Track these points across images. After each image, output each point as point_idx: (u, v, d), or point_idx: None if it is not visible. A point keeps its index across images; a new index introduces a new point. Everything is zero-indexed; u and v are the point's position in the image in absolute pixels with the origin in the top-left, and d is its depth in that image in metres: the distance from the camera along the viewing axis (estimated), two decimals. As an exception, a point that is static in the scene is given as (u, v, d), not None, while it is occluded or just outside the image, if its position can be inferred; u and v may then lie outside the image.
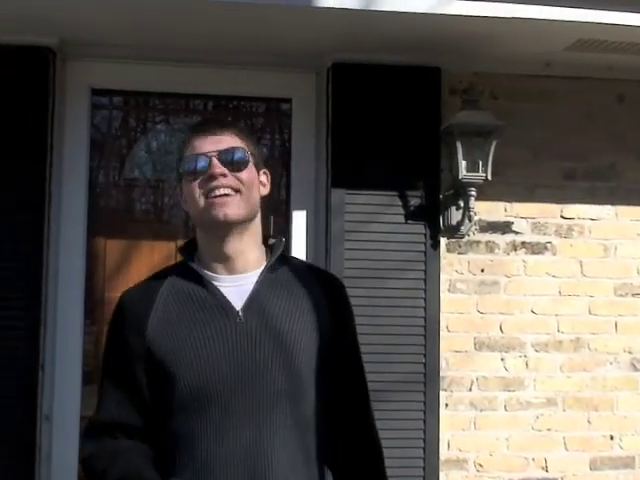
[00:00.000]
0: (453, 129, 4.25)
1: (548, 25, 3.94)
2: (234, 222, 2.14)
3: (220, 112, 4.73)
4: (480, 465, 4.41)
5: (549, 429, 4.48)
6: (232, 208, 2.13)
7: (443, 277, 4.40)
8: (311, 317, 2.19)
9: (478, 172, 4.24)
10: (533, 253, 4.53)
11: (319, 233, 4.41)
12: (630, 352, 4.57)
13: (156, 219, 4.82)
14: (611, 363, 4.55)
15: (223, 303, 2.15)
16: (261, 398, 2.08)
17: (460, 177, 4.25)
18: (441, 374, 4.36)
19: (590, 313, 4.54)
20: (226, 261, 2.19)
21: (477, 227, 4.48)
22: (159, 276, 2.26)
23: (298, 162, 4.54)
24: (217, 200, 2.13)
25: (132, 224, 4.67)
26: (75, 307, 4.30)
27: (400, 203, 4.33)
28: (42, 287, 4.11)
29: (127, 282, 2.35)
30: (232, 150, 2.17)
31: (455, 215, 4.39)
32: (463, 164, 4.24)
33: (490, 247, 4.50)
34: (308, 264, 2.60)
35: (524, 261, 4.52)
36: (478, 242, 4.49)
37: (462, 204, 4.35)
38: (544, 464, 4.47)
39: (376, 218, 4.29)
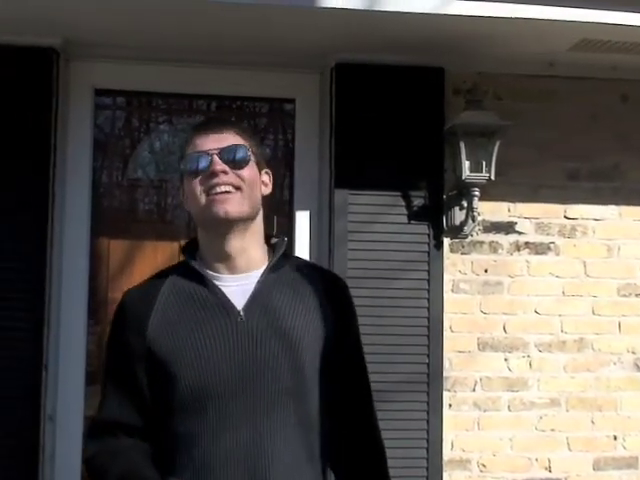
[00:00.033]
0: (457, 129, 4.24)
1: (552, 25, 3.94)
2: (235, 219, 2.14)
3: (223, 112, 4.73)
4: (483, 465, 4.41)
5: (553, 429, 4.48)
6: (233, 205, 2.13)
7: (446, 277, 4.40)
8: (314, 316, 2.19)
9: (481, 172, 4.24)
10: (536, 253, 4.53)
11: (322, 233, 4.41)
12: (634, 352, 4.56)
13: (159, 219, 4.82)
14: (615, 363, 4.54)
15: (224, 303, 2.14)
16: (262, 398, 2.08)
17: (463, 177, 4.25)
18: (444, 374, 4.36)
19: (594, 313, 4.54)
20: (227, 260, 2.19)
21: (480, 227, 4.48)
22: (160, 276, 2.26)
23: (301, 162, 4.54)
24: (218, 197, 2.13)
25: (135, 224, 4.67)
26: (78, 307, 4.30)
27: (403, 203, 4.33)
28: (45, 287, 4.11)
29: (130, 282, 2.34)
30: (234, 148, 2.17)
31: (458, 215, 4.39)
32: (466, 164, 4.24)
33: (493, 247, 4.50)
34: (311, 264, 2.60)
35: (527, 261, 4.52)
36: (481, 242, 4.49)
37: (465, 204, 4.35)
38: (547, 464, 4.46)
39: (379, 218, 4.29)
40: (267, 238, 2.30)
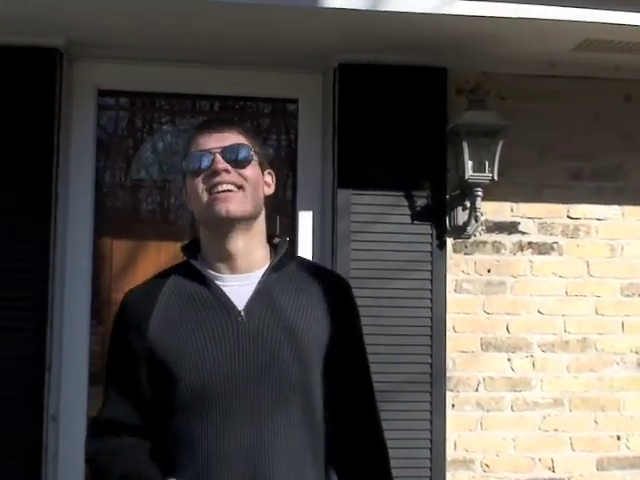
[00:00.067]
0: (459, 129, 4.24)
1: (554, 25, 3.94)
2: (236, 218, 2.14)
3: (226, 113, 4.73)
4: (487, 465, 4.41)
5: (556, 429, 4.48)
6: (234, 204, 2.13)
7: (449, 277, 4.40)
8: (318, 314, 2.19)
9: (484, 172, 4.24)
10: (539, 253, 4.53)
11: (325, 233, 4.41)
12: (637, 352, 4.56)
13: (162, 220, 4.83)
14: (618, 363, 4.54)
15: (225, 302, 2.14)
16: (264, 398, 2.08)
17: (466, 177, 4.25)
18: (447, 374, 4.35)
19: (597, 313, 4.54)
20: (229, 260, 2.19)
21: (483, 227, 4.48)
22: (162, 276, 2.27)
23: (304, 162, 4.54)
24: (220, 196, 2.13)
25: (138, 225, 4.68)
26: (81, 307, 4.31)
27: (406, 203, 4.33)
28: (48, 288, 4.11)
29: (133, 282, 2.34)
30: (236, 147, 2.18)
31: (461, 215, 4.39)
32: (469, 164, 4.24)
33: (496, 247, 4.50)
34: (314, 264, 2.60)
35: (530, 261, 4.52)
36: (484, 242, 4.49)
37: (468, 204, 4.35)
38: (551, 464, 4.46)
39: (382, 218, 4.29)
40: (269, 238, 2.29)
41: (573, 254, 4.55)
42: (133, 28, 4.09)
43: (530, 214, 4.53)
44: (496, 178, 4.24)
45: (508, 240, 4.51)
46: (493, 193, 4.39)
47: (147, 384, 2.15)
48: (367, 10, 3.82)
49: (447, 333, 4.35)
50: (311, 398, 2.14)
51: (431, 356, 4.29)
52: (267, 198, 2.28)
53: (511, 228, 4.52)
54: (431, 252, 4.34)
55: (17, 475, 4.03)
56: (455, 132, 4.28)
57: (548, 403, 4.48)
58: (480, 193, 4.28)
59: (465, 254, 4.47)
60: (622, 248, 4.58)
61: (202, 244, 2.25)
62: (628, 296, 4.57)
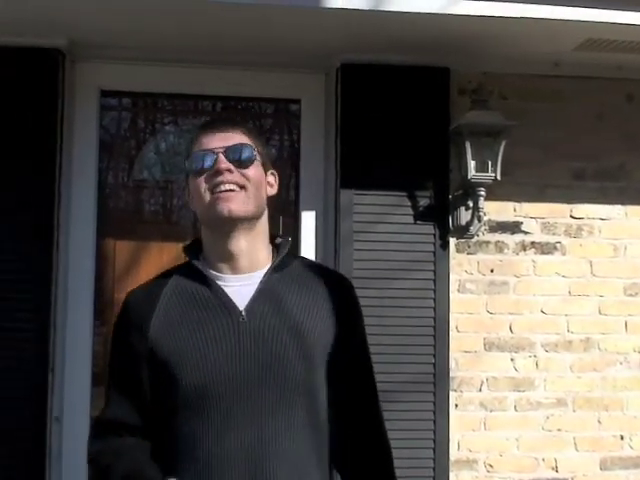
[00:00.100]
0: (462, 129, 4.24)
1: (557, 25, 3.93)
2: (238, 218, 2.14)
3: (229, 113, 4.73)
4: (490, 465, 4.41)
5: (559, 429, 4.47)
6: (236, 204, 2.13)
7: (452, 277, 4.40)
8: (321, 313, 2.19)
9: (487, 172, 4.24)
10: (543, 253, 4.52)
11: (328, 234, 4.41)
12: (640, 352, 4.57)
13: (165, 220, 4.83)
14: (621, 363, 4.54)
15: (226, 303, 2.14)
16: (265, 398, 2.07)
17: (469, 177, 4.25)
18: (451, 374, 4.35)
19: (600, 313, 4.54)
20: (231, 260, 2.18)
21: (486, 227, 4.48)
22: (164, 276, 2.27)
23: (307, 163, 4.54)
24: (222, 195, 2.13)
25: (141, 225, 4.68)
26: (85, 308, 4.31)
27: (409, 203, 4.33)
28: (51, 288, 4.12)
29: (136, 283, 2.34)
30: (239, 147, 2.17)
31: (464, 215, 4.39)
32: (472, 164, 4.24)
33: (499, 247, 4.50)
34: (317, 264, 2.60)
35: (534, 261, 4.52)
36: (487, 242, 4.49)
37: (471, 204, 4.35)
38: (554, 464, 4.46)
39: (385, 218, 4.29)
40: (272, 238, 2.29)
41: (576, 254, 4.55)
42: (135, 29, 4.09)
43: (533, 214, 4.53)
44: (499, 178, 4.24)
45: (511, 240, 4.51)
46: (496, 193, 4.38)
47: (148, 384, 2.15)
48: (369, 10, 3.81)
49: (450, 333, 4.34)
50: (316, 399, 2.14)
51: (434, 356, 4.29)
52: (270, 198, 2.28)
53: (514, 228, 4.51)
54: (434, 252, 4.33)
55: (20, 475, 4.03)
56: (458, 132, 4.28)
57: (551, 403, 4.47)
58: (483, 193, 4.28)
59: (468, 254, 4.47)
60: (625, 248, 4.58)
61: (204, 244, 2.25)
62: (631, 296, 4.57)
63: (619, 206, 4.59)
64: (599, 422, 4.50)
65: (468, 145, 4.23)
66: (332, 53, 4.29)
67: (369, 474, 2.26)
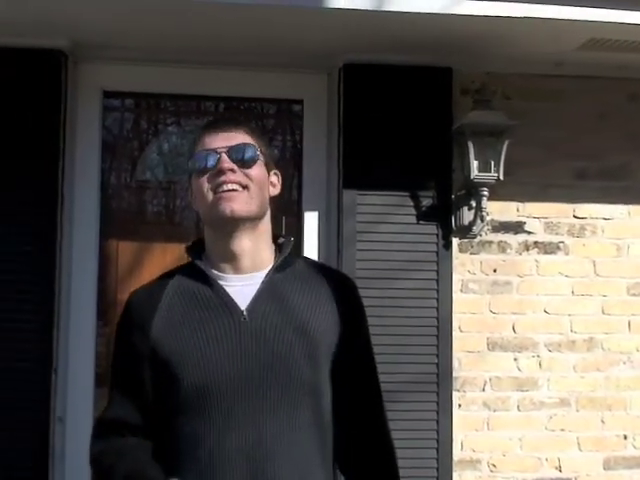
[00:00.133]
0: (465, 129, 4.24)
1: (560, 25, 3.93)
2: (241, 218, 2.14)
3: (232, 113, 4.73)
4: (493, 465, 4.41)
5: (562, 429, 4.47)
6: (239, 203, 2.13)
7: (455, 277, 4.39)
8: (326, 313, 2.18)
9: (490, 172, 4.23)
10: (545, 253, 4.52)
11: (331, 234, 4.41)
12: (643, 352, 4.56)
13: (168, 221, 4.83)
14: (624, 363, 4.53)
15: (228, 302, 2.14)
16: (267, 398, 2.07)
17: (472, 177, 4.25)
18: (454, 374, 4.35)
19: (603, 313, 4.53)
20: (233, 260, 2.18)
21: (489, 227, 4.47)
22: (167, 276, 2.26)
23: (309, 163, 4.54)
24: (224, 195, 2.13)
25: (144, 226, 4.68)
26: (88, 309, 4.31)
27: (412, 203, 4.33)
28: (55, 289, 4.12)
29: (139, 284, 2.34)
30: (242, 147, 2.17)
31: (467, 215, 4.38)
32: (475, 164, 4.24)
33: (502, 247, 4.49)
34: (320, 263, 2.60)
35: (537, 261, 4.51)
36: (490, 242, 4.49)
37: (474, 204, 4.34)
38: (557, 464, 4.45)
39: (388, 218, 4.29)
40: (275, 238, 2.29)
41: (579, 254, 4.54)
42: (137, 29, 4.09)
43: (536, 214, 4.53)
44: (502, 178, 4.24)
45: (514, 240, 4.51)
46: (499, 193, 4.38)
47: (150, 384, 2.15)
48: (371, 10, 3.81)
49: (453, 333, 4.34)
50: (320, 399, 2.14)
51: (437, 356, 4.29)
52: (273, 198, 2.27)
53: (517, 228, 4.51)
54: (437, 252, 4.33)
55: (24, 475, 4.03)
56: (460, 132, 4.27)
57: (555, 403, 4.47)
58: (486, 193, 4.28)
59: (471, 254, 4.47)
60: (628, 247, 4.58)
61: (207, 244, 2.25)
62: (634, 295, 4.56)
63: (622, 206, 4.59)
64: (602, 422, 4.50)
65: (471, 145, 4.23)
66: (334, 53, 4.29)
67: (373, 475, 2.25)
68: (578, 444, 4.47)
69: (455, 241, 4.42)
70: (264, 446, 2.04)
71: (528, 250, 4.51)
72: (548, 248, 4.52)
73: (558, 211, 4.54)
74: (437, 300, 4.31)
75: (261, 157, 2.21)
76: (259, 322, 2.12)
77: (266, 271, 2.19)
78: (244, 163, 2.16)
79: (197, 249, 2.27)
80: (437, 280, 4.31)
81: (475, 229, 4.39)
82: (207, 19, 3.94)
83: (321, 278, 2.25)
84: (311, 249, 4.44)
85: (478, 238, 4.46)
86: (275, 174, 2.30)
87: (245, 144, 2.17)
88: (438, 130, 4.33)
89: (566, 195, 4.54)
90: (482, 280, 4.46)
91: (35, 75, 4.15)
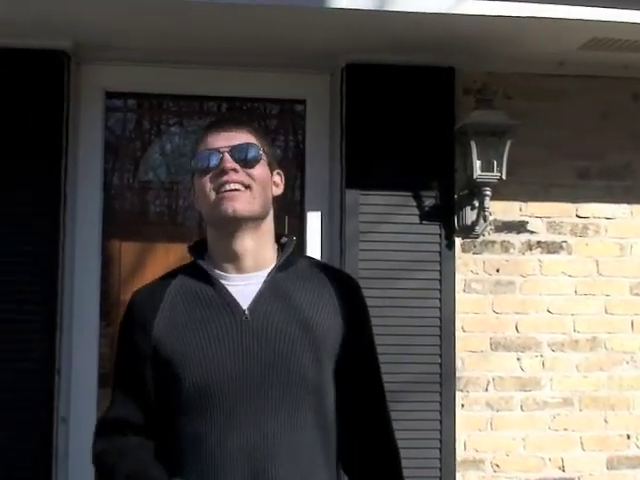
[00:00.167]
0: (467, 129, 4.24)
1: (562, 24, 3.92)
2: (243, 218, 2.14)
3: (234, 113, 4.73)
4: (497, 465, 4.40)
5: (566, 429, 4.47)
6: (241, 203, 2.13)
7: (458, 277, 4.39)
8: (329, 311, 2.18)
9: (493, 172, 4.23)
10: (548, 252, 4.52)
11: (333, 234, 4.41)
12: (646, 351, 4.56)
13: (170, 221, 4.83)
14: (627, 362, 4.53)
15: (229, 302, 2.14)
16: (268, 398, 2.07)
17: (475, 177, 4.24)
18: (457, 374, 4.35)
19: (606, 312, 4.53)
20: (235, 259, 2.18)
21: (492, 227, 4.47)
22: (169, 276, 2.27)
23: (312, 163, 4.54)
24: (227, 195, 2.13)
25: (147, 226, 4.68)
26: (91, 310, 4.31)
27: (414, 203, 4.33)
28: (57, 290, 4.12)
29: (142, 284, 2.35)
30: (245, 146, 2.17)
31: (470, 215, 4.38)
32: (477, 164, 4.24)
33: (505, 247, 4.49)
34: (323, 263, 2.59)
35: (540, 260, 4.51)
36: (493, 242, 4.48)
37: (477, 204, 4.34)
38: (561, 464, 4.45)
39: (390, 218, 4.29)
40: (277, 237, 2.29)
41: (582, 253, 4.54)
42: (139, 30, 4.09)
43: (539, 213, 4.53)
44: (504, 177, 4.24)
45: (517, 239, 4.50)
46: (501, 192, 4.38)
47: (152, 384, 2.15)
48: (374, 10, 3.81)
49: (456, 333, 4.34)
50: (324, 398, 2.14)
51: (440, 356, 4.28)
52: (275, 198, 2.27)
53: (520, 227, 4.51)
54: (440, 252, 4.33)
55: (27, 476, 4.04)
56: (463, 132, 4.27)
57: (558, 402, 4.47)
58: (488, 192, 4.28)
59: (474, 254, 4.46)
60: (631, 247, 4.58)
61: (209, 244, 2.25)
62: (637, 295, 4.56)
63: (625, 205, 4.59)
64: (605, 421, 4.50)
65: (473, 145, 4.23)
66: (337, 53, 4.29)
67: (377, 475, 2.25)
68: (581, 444, 4.47)
69: (458, 241, 4.42)
70: (265, 446, 2.04)
71: (531, 250, 4.51)
72: (551, 248, 4.52)
73: (561, 211, 4.54)
74: (440, 300, 4.31)
75: (264, 157, 2.20)
76: (261, 321, 2.12)
77: (268, 270, 2.19)
78: (247, 163, 2.15)
79: (200, 249, 2.27)
80: (440, 280, 4.31)
81: (478, 229, 4.39)
82: (209, 19, 3.94)
83: (324, 277, 2.24)
84: (314, 249, 4.44)
85: (481, 238, 4.46)
86: (278, 174, 2.30)
87: (248, 144, 2.17)
88: (441, 130, 4.33)
89: (569, 195, 4.54)
90: (485, 280, 4.46)
91: (38, 76, 4.15)
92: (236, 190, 2.13)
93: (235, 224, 2.14)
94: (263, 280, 2.17)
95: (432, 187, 4.34)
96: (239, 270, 2.18)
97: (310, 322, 2.14)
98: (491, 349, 4.44)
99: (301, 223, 4.52)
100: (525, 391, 4.45)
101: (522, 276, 4.49)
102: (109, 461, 2.16)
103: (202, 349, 2.09)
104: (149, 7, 3.85)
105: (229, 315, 2.12)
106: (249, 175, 2.15)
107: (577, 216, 4.55)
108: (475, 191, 4.33)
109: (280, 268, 2.20)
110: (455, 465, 4.30)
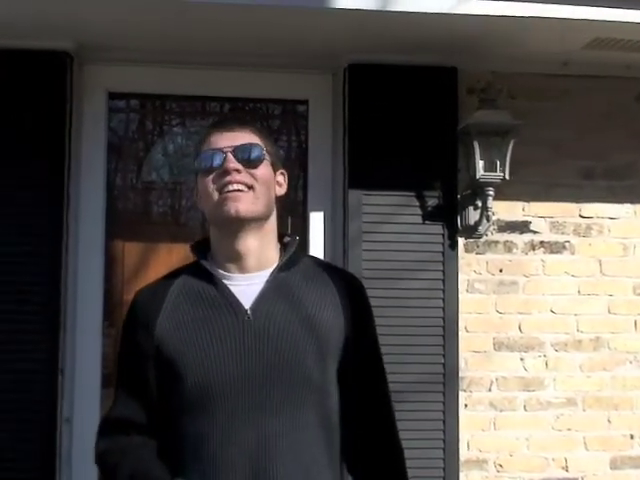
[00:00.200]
0: (470, 129, 4.24)
1: (565, 24, 3.92)
2: (246, 218, 2.14)
3: (237, 113, 4.73)
4: (500, 465, 4.40)
5: (569, 429, 4.47)
6: (244, 204, 2.13)
7: (461, 277, 4.39)
8: (332, 310, 2.18)
9: (496, 172, 4.23)
10: (552, 252, 4.52)
11: (336, 234, 4.41)
12: (650, 351, 4.56)
13: (173, 221, 4.83)
14: (631, 362, 4.53)
15: (232, 301, 2.14)
16: (270, 398, 2.07)
17: (478, 177, 4.24)
18: (460, 374, 4.35)
19: (609, 312, 4.53)
20: (238, 259, 2.18)
21: (495, 227, 4.47)
22: (172, 275, 2.27)
23: (315, 163, 4.54)
24: (230, 195, 2.13)
25: (150, 226, 4.68)
26: (94, 309, 4.32)
27: (417, 203, 4.33)
28: (61, 290, 4.12)
29: (145, 284, 2.35)
30: (248, 147, 2.17)
31: (473, 215, 4.38)
32: (480, 164, 4.23)
33: (508, 247, 4.49)
34: (326, 262, 2.60)
35: (543, 260, 4.51)
36: (496, 242, 4.48)
37: (480, 204, 4.34)
38: (564, 464, 4.45)
39: (393, 219, 4.29)
40: (280, 237, 2.29)
41: (585, 253, 4.54)
42: (140, 31, 4.09)
43: (542, 213, 4.52)
44: (507, 177, 4.23)
45: (520, 239, 4.50)
46: (504, 192, 4.38)
47: (155, 383, 2.15)
48: (376, 10, 3.81)
49: (459, 333, 4.34)
50: (327, 398, 2.14)
51: (443, 356, 4.28)
52: (279, 198, 2.27)
53: (523, 227, 4.51)
54: (443, 252, 4.33)
55: (31, 476, 4.04)
56: (466, 132, 4.27)
57: (561, 402, 4.47)
58: (491, 192, 4.27)
59: (477, 254, 4.46)
60: (634, 247, 4.57)
61: (212, 243, 2.25)
62: (641, 295, 4.57)
63: (628, 205, 4.58)
64: (609, 421, 4.50)
65: (476, 145, 4.22)
66: (339, 53, 4.29)
67: (381, 475, 2.25)
68: (585, 444, 4.47)
69: (461, 241, 4.42)
70: (267, 446, 2.04)
71: (534, 250, 4.50)
72: (554, 248, 4.52)
73: (564, 211, 4.53)
74: (443, 300, 4.30)
75: (267, 157, 2.20)
76: (263, 321, 2.12)
77: (271, 270, 2.19)
78: (250, 163, 2.15)
79: (202, 248, 2.27)
80: (443, 280, 4.31)
81: (481, 229, 4.39)
82: (210, 20, 3.94)
83: (327, 277, 2.24)
84: (317, 249, 4.44)
85: (484, 238, 4.46)
86: (282, 174, 2.30)
87: (251, 144, 2.17)
88: (444, 130, 4.33)
89: (572, 195, 4.54)
90: (488, 280, 4.46)
91: (41, 77, 4.15)
92: (239, 190, 2.13)
93: (238, 224, 2.14)
94: (266, 280, 2.17)
95: (435, 187, 4.34)
96: (242, 270, 2.18)
97: (313, 322, 2.14)
98: (494, 349, 4.44)
99: (304, 223, 4.52)
100: (528, 391, 4.45)
101: (525, 276, 4.48)
102: (112, 460, 2.16)
103: (204, 349, 2.09)
104: (150, 7, 3.85)
105: (231, 315, 2.12)
106: (252, 175, 2.15)
107: (580, 216, 4.54)
108: (478, 191, 4.33)
109: (283, 268, 2.20)
110: (458, 465, 4.30)
